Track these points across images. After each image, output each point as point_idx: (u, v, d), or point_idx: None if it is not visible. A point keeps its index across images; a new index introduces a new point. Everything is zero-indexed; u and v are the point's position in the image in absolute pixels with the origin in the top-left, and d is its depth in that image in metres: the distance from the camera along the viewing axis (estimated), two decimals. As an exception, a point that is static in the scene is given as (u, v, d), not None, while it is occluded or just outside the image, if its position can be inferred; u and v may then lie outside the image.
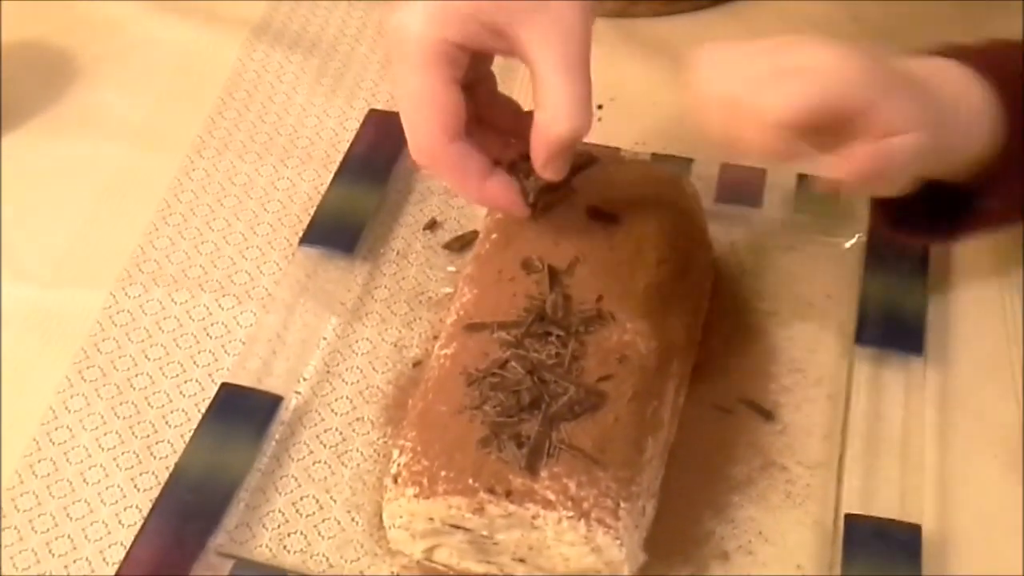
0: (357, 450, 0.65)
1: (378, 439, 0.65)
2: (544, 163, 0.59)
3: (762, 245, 0.73)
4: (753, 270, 0.72)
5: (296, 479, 0.64)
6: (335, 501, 0.63)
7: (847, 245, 0.72)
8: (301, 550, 0.61)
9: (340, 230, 0.73)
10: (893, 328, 0.66)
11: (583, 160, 0.65)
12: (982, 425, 0.64)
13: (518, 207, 0.62)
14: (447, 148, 0.58)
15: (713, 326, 0.68)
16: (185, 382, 0.68)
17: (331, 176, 0.76)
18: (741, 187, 0.74)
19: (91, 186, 0.79)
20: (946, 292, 0.70)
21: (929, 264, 0.69)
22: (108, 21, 0.90)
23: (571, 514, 0.54)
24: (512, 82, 0.67)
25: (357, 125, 0.80)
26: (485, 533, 0.57)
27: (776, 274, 0.71)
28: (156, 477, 0.64)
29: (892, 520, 0.59)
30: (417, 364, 0.68)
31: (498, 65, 0.63)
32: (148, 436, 0.66)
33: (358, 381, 0.68)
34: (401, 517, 0.58)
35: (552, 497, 0.54)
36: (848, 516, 0.59)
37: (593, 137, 0.60)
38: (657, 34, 0.86)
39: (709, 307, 0.69)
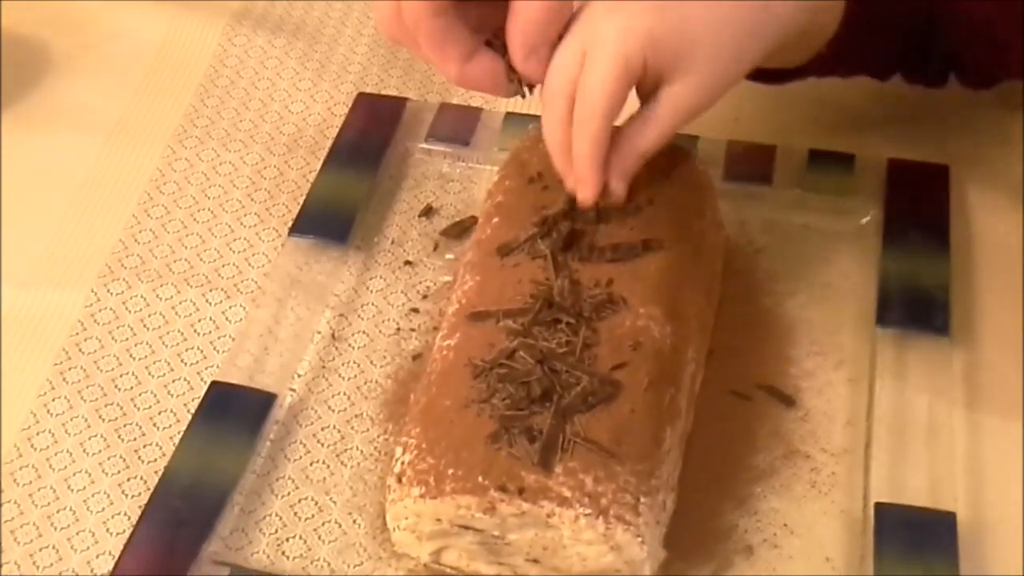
0: (357, 448, 0.63)
1: (379, 436, 0.63)
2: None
3: (774, 223, 0.71)
4: (766, 250, 0.69)
5: (293, 480, 0.62)
6: (335, 503, 0.61)
7: (863, 221, 0.70)
8: (301, 555, 0.59)
9: (332, 219, 0.71)
10: (916, 307, 0.64)
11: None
12: (1013, 405, 0.62)
13: (499, 89, 0.60)
14: (430, 22, 0.56)
15: (726, 309, 0.66)
16: (173, 381, 0.66)
17: (320, 163, 0.75)
18: (750, 163, 0.72)
19: (69, 180, 0.77)
20: (969, 268, 0.68)
21: (951, 239, 0.67)
22: (81, 10, 0.87)
23: (588, 511, 0.52)
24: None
25: (345, 110, 0.78)
26: (496, 533, 0.54)
27: (790, 253, 0.69)
28: (145, 482, 0.61)
29: (924, 508, 0.57)
30: (417, 357, 0.66)
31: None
32: (135, 439, 0.64)
33: (355, 376, 0.66)
34: (406, 518, 0.55)
35: (568, 494, 0.52)
36: (878, 505, 0.57)
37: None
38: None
39: (721, 289, 0.66)
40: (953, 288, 0.65)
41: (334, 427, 0.63)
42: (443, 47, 0.57)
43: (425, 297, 0.69)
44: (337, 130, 0.76)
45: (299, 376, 0.65)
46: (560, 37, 0.58)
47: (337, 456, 0.62)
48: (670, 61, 0.57)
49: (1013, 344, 0.64)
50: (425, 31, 0.56)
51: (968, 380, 0.63)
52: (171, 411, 0.64)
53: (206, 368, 0.66)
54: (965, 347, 0.64)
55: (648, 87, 0.58)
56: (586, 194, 0.59)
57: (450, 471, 0.53)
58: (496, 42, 0.59)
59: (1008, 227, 0.69)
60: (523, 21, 0.56)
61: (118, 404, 0.65)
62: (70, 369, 0.66)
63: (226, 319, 0.69)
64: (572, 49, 0.57)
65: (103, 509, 0.61)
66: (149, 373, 0.66)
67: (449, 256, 0.70)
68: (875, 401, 0.61)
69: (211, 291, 0.70)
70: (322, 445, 0.63)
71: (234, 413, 0.62)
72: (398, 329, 0.67)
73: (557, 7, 0.57)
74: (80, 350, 0.67)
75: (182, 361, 0.67)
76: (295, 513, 0.60)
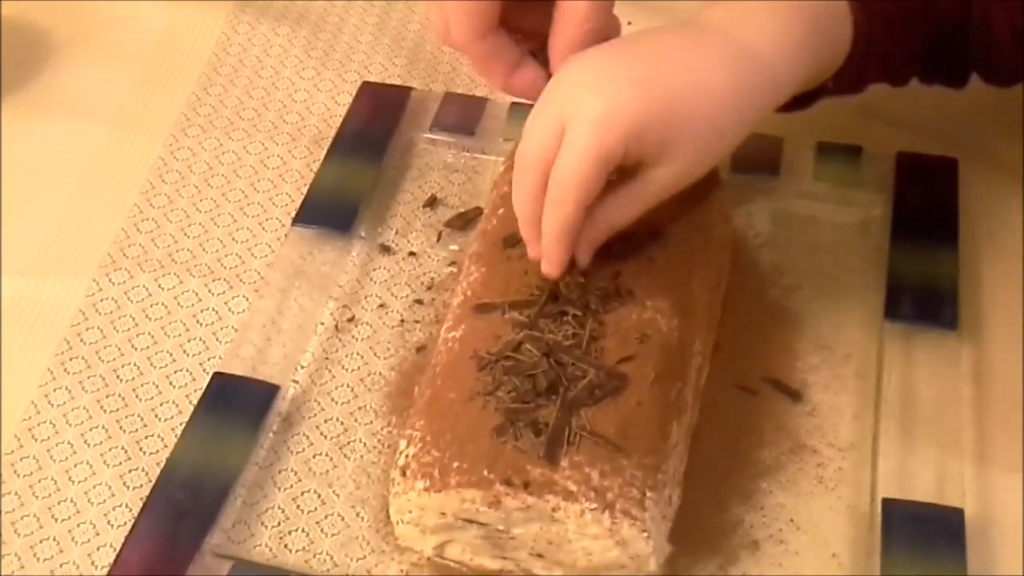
0: (360, 441, 0.62)
1: (382, 429, 0.63)
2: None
3: (782, 216, 0.70)
4: (773, 242, 0.69)
5: (296, 473, 0.61)
6: (338, 496, 0.60)
7: (871, 214, 0.69)
8: (303, 548, 0.58)
9: (335, 209, 0.70)
10: (924, 301, 0.64)
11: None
12: (1022, 401, 0.61)
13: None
14: (476, 45, 0.58)
15: (733, 302, 0.65)
16: (175, 372, 0.65)
17: (324, 153, 0.74)
18: (757, 155, 0.71)
19: (71, 169, 0.76)
20: (978, 262, 0.67)
21: (959, 232, 0.67)
22: (83, -3, 0.87)
23: (594, 506, 0.51)
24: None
25: (350, 99, 0.77)
26: (501, 527, 0.54)
27: (797, 246, 0.69)
28: (146, 474, 0.61)
29: (932, 504, 0.56)
30: (421, 349, 0.65)
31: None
32: (137, 431, 0.63)
33: (359, 368, 0.65)
34: (410, 512, 0.55)
35: (574, 488, 0.52)
36: (885, 501, 0.57)
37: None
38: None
39: (728, 282, 0.66)
40: (962, 282, 0.65)
41: (337, 419, 0.63)
42: (489, 64, 0.59)
43: (429, 288, 0.68)
44: (341, 120, 0.75)
45: (302, 367, 0.65)
46: None
47: (340, 449, 0.62)
48: (654, 149, 0.55)
49: (1022, 339, 0.64)
50: (472, 53, 0.59)
51: (976, 375, 0.63)
52: (173, 402, 0.64)
53: (208, 359, 0.66)
54: (973, 342, 0.64)
55: (629, 165, 0.56)
56: (552, 270, 0.57)
57: (455, 464, 0.53)
58: (540, 55, 0.59)
59: (1017, 221, 0.69)
60: (564, 36, 0.57)
61: (120, 395, 0.64)
62: (71, 359, 0.66)
63: (229, 310, 0.68)
64: (549, 121, 0.55)
65: (104, 501, 0.60)
66: (151, 364, 0.66)
67: (454, 247, 0.70)
68: (882, 396, 0.61)
69: (214, 281, 0.69)
70: (325, 437, 0.62)
71: (237, 405, 0.62)
72: (402, 321, 0.67)
73: (596, 28, 0.57)
74: (81, 340, 0.67)
75: (184, 352, 0.66)
76: (298, 506, 0.60)
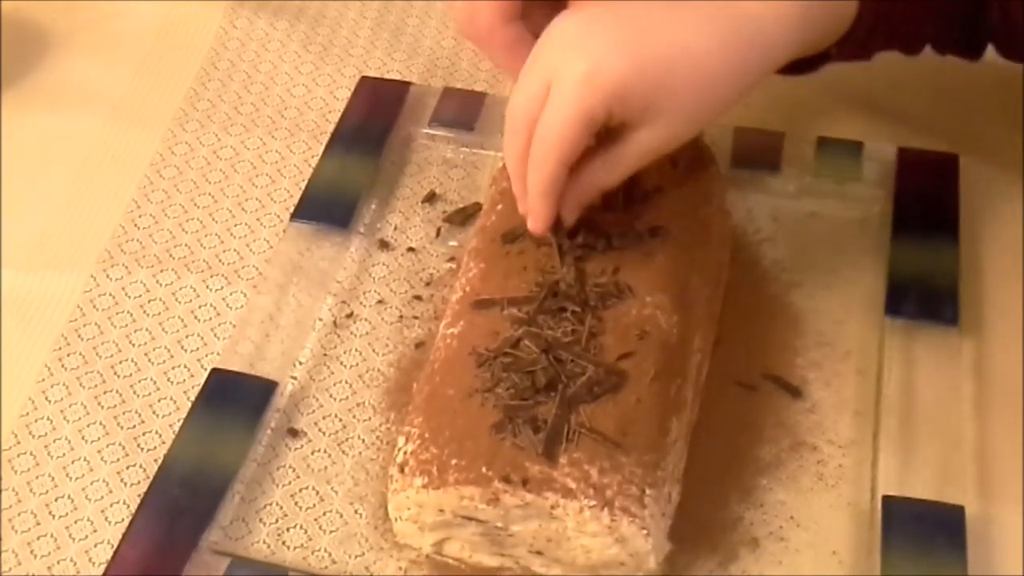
0: (358, 437, 0.62)
1: (381, 425, 0.62)
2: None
3: (782, 211, 0.70)
4: (773, 238, 0.69)
5: (294, 470, 0.61)
6: (336, 492, 0.60)
7: (872, 210, 0.69)
8: (301, 545, 0.58)
9: (334, 204, 0.70)
10: (925, 297, 0.63)
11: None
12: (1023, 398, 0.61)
13: None
14: (502, 30, 0.58)
15: (733, 298, 0.65)
16: (173, 368, 0.65)
17: (322, 148, 0.74)
18: (757, 150, 0.71)
19: (68, 163, 0.76)
20: (979, 258, 0.67)
21: (960, 228, 0.66)
22: (81, -10, 0.86)
23: (593, 503, 0.51)
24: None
25: (348, 93, 0.77)
26: (500, 525, 0.54)
27: (798, 242, 0.68)
28: (144, 470, 0.61)
29: (932, 502, 0.56)
30: (420, 345, 0.65)
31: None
32: (135, 427, 0.63)
33: (357, 364, 0.65)
34: (408, 509, 0.55)
35: (572, 485, 0.51)
36: (886, 498, 0.56)
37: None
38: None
39: (728, 278, 0.65)
40: (962, 278, 0.64)
41: (335, 415, 0.63)
42: (513, 51, 0.58)
43: (428, 284, 0.68)
44: (339, 114, 0.75)
45: (300, 364, 0.64)
46: None
47: (338, 445, 0.61)
48: (638, 111, 0.54)
49: (1023, 335, 0.63)
50: (498, 37, 0.58)
51: (977, 371, 0.62)
52: (171, 398, 0.64)
53: (206, 355, 0.65)
54: (974, 338, 0.63)
55: (613, 127, 0.55)
56: (536, 225, 0.58)
57: (453, 461, 0.53)
58: None
59: (1018, 217, 0.68)
60: None
61: (117, 391, 0.64)
62: (69, 355, 0.65)
63: (227, 305, 0.68)
64: (536, 79, 0.55)
65: (102, 497, 0.60)
66: (149, 360, 0.65)
67: (453, 243, 0.70)
68: (883, 392, 0.60)
69: (211, 277, 0.69)
70: (323, 434, 0.62)
71: (234, 401, 0.61)
72: (401, 316, 0.67)
73: None
74: (79, 336, 0.66)
75: (182, 348, 0.66)
76: (296, 503, 0.59)
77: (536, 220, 0.57)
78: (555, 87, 0.54)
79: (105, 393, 0.64)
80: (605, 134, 0.56)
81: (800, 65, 0.60)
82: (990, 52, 0.65)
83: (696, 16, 0.55)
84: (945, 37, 0.64)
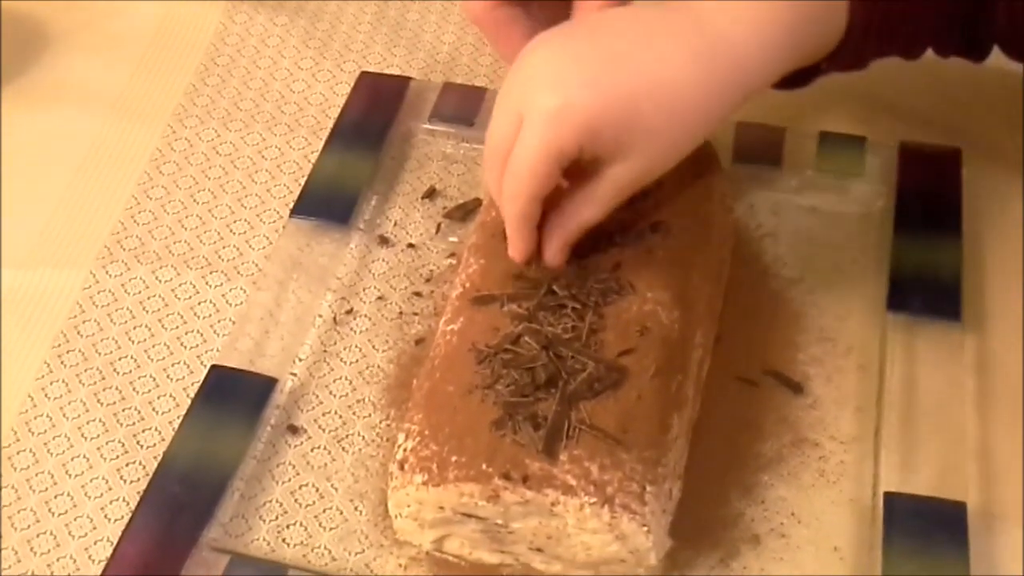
0: (358, 434, 0.62)
1: (381, 422, 0.62)
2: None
3: (783, 207, 0.70)
4: (775, 233, 0.68)
5: (294, 467, 0.61)
6: (336, 489, 0.60)
7: (874, 205, 0.69)
8: (301, 543, 0.58)
9: (334, 200, 0.70)
10: (927, 293, 0.63)
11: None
12: (1025, 394, 0.61)
13: None
14: (491, 12, 0.59)
15: (734, 294, 0.65)
16: (172, 365, 0.65)
17: (322, 143, 0.73)
18: (759, 145, 0.71)
19: (67, 160, 0.76)
20: (981, 253, 0.67)
21: (963, 223, 0.66)
22: (80, -14, 0.86)
23: (594, 500, 0.51)
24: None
25: (348, 89, 0.77)
26: (500, 522, 0.53)
27: (799, 237, 0.68)
28: (144, 468, 0.61)
29: (934, 498, 0.56)
30: (420, 341, 0.65)
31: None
32: (134, 424, 0.63)
33: (357, 360, 0.65)
34: (408, 506, 0.54)
35: (573, 482, 0.51)
36: (887, 494, 0.56)
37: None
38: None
39: (729, 273, 0.65)
40: (965, 274, 0.64)
41: (335, 412, 0.62)
42: (502, 33, 0.59)
43: (428, 280, 0.68)
44: (339, 110, 0.75)
45: (300, 360, 0.64)
46: None
47: (338, 442, 0.61)
48: (610, 146, 0.54)
49: (1025, 330, 0.63)
50: (487, 21, 0.59)
51: (979, 367, 0.62)
52: (170, 395, 0.64)
53: (206, 352, 0.65)
54: (977, 333, 0.63)
55: (587, 162, 0.55)
56: (515, 255, 0.58)
57: (453, 458, 0.52)
58: None
59: (1021, 211, 0.68)
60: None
61: (117, 388, 0.64)
62: (68, 352, 0.65)
63: (226, 302, 0.68)
64: (508, 112, 0.55)
65: (101, 495, 0.60)
66: (148, 357, 0.65)
67: (453, 239, 0.69)
68: (885, 388, 0.60)
69: (211, 273, 0.69)
70: (323, 430, 0.62)
71: (234, 398, 0.61)
72: (401, 313, 0.66)
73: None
74: (78, 333, 0.66)
75: (182, 344, 0.66)
76: (296, 500, 0.59)
77: (516, 251, 0.58)
78: (526, 122, 0.54)
79: (105, 390, 0.64)
80: (580, 170, 0.55)
81: (792, 79, 0.59)
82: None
83: (673, 45, 0.55)
84: (946, 39, 0.63)
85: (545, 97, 0.53)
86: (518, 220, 0.56)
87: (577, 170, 0.55)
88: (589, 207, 0.57)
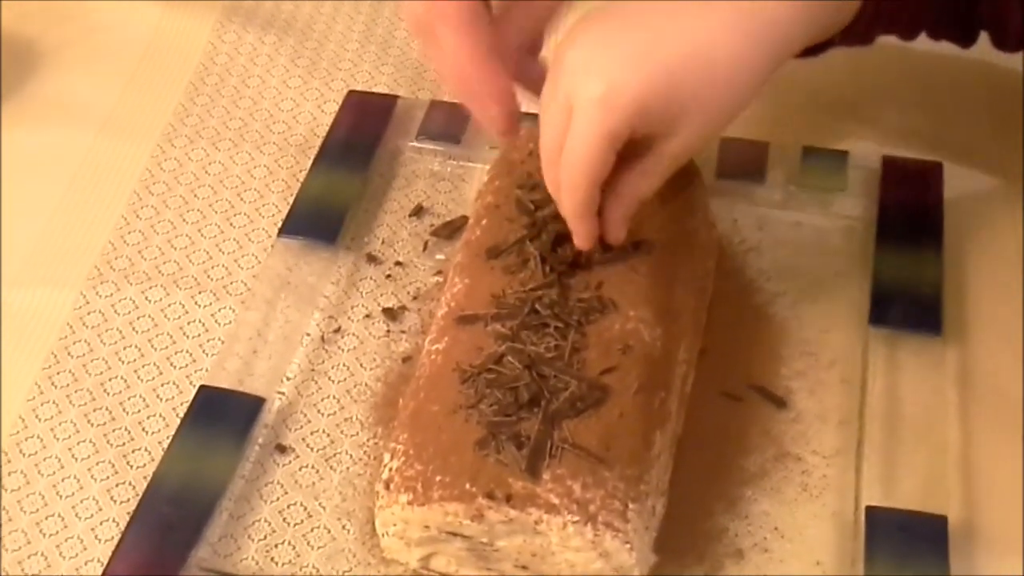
0: (346, 453, 0.62)
1: (368, 440, 0.62)
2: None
3: (767, 221, 0.70)
4: (758, 248, 0.69)
5: (282, 486, 0.61)
6: (324, 508, 0.60)
7: (856, 219, 0.69)
8: (289, 561, 0.58)
9: (321, 219, 0.70)
10: (909, 306, 0.63)
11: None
12: (1007, 407, 0.61)
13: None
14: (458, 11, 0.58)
15: (718, 308, 0.65)
16: (162, 385, 0.65)
17: (310, 162, 0.74)
18: (742, 160, 0.71)
19: (56, 179, 0.76)
20: (963, 266, 0.67)
21: (944, 237, 0.66)
22: (69, 4, 0.86)
23: (577, 518, 0.51)
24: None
25: (336, 108, 0.77)
26: (485, 540, 0.54)
27: (782, 252, 0.68)
28: (133, 488, 0.61)
29: (916, 512, 0.56)
30: (407, 359, 0.65)
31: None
32: (124, 444, 0.63)
33: (345, 379, 0.65)
34: (395, 525, 0.55)
35: (556, 500, 0.52)
36: (869, 508, 0.56)
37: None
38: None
39: (713, 288, 0.65)
40: (947, 287, 0.64)
41: (323, 431, 0.63)
42: (461, 33, 0.59)
43: (415, 298, 0.68)
44: (327, 128, 0.75)
45: (288, 379, 0.64)
46: None
47: (326, 461, 0.61)
48: (659, 124, 0.55)
49: (1007, 344, 0.64)
50: (450, 19, 0.58)
51: (961, 381, 0.62)
52: (160, 415, 0.64)
53: (195, 372, 0.65)
54: (958, 346, 0.63)
55: (640, 138, 0.56)
56: (581, 244, 0.58)
57: (438, 478, 0.53)
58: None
59: (1002, 225, 0.69)
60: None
61: (107, 408, 0.64)
62: (59, 373, 0.66)
63: (215, 321, 0.68)
64: (557, 107, 0.55)
65: (92, 515, 0.60)
66: (138, 377, 0.66)
67: (440, 256, 0.70)
68: (867, 402, 0.61)
69: (200, 293, 0.69)
70: (311, 449, 0.62)
71: (223, 418, 0.61)
72: (388, 331, 0.67)
73: None
74: (69, 353, 0.67)
75: (171, 364, 0.66)
76: (284, 519, 0.60)
77: (581, 239, 0.58)
78: (575, 112, 0.54)
79: (95, 411, 0.64)
80: (634, 145, 0.56)
81: (805, 51, 0.60)
82: (982, 50, 0.65)
83: (707, 14, 0.55)
84: (941, 23, 0.64)
85: (590, 84, 0.54)
86: (581, 209, 0.57)
87: (629, 145, 0.56)
88: (646, 180, 0.57)
